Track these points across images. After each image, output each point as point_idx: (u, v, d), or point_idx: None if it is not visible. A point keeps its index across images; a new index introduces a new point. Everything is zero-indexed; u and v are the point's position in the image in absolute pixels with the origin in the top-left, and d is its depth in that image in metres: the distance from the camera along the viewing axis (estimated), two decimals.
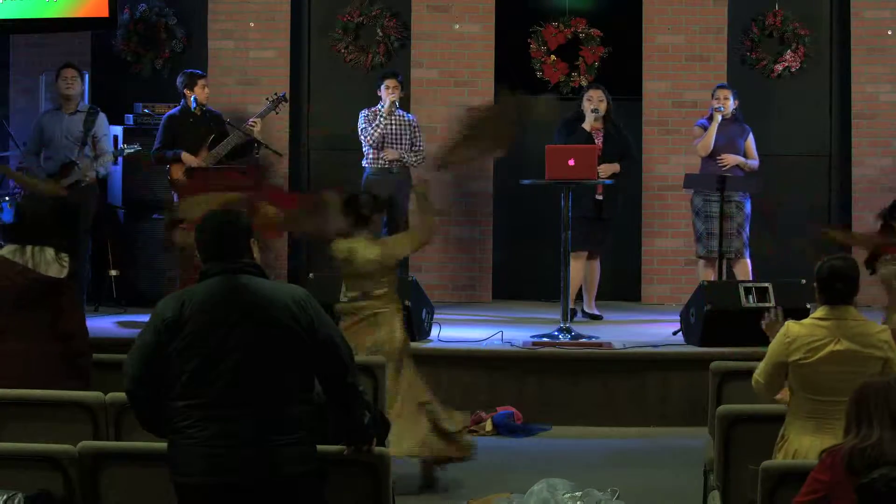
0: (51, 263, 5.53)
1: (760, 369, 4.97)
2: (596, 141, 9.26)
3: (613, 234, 9.76)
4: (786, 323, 4.93)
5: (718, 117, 9.30)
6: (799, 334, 4.84)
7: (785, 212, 10.31)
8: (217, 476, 4.06)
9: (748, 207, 9.40)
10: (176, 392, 4.10)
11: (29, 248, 5.55)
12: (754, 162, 9.47)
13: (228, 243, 4.25)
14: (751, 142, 9.49)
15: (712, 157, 9.36)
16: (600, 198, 9.37)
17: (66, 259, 5.59)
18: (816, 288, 4.93)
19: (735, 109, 9.44)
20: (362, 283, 6.49)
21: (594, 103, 9.35)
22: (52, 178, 9.12)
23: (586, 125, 9.28)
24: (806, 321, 4.89)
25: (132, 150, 9.56)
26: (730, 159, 9.34)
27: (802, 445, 4.77)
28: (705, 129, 9.39)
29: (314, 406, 4.24)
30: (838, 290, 4.86)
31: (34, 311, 5.55)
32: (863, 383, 4.12)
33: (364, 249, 6.45)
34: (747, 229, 9.40)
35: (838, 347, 4.78)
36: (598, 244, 9.54)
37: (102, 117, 9.43)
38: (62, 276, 5.54)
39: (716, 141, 9.32)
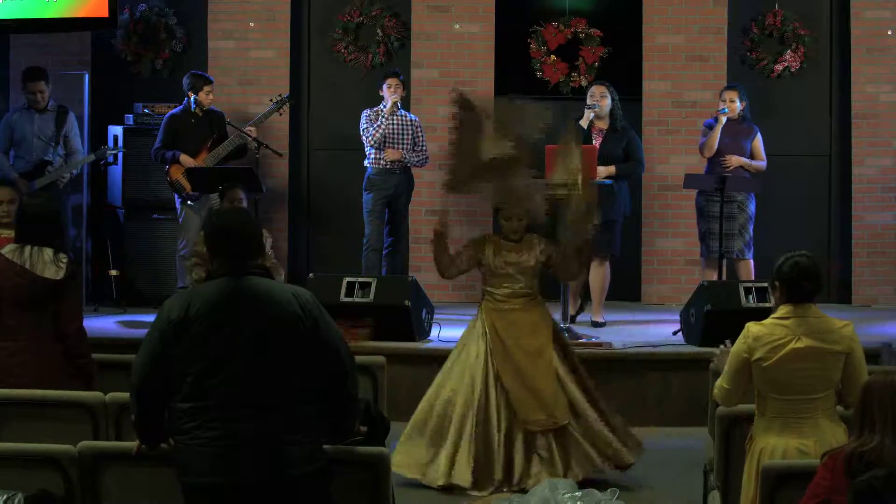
0: (48, 264, 5.50)
1: (723, 375, 4.94)
2: (594, 142, 9.01)
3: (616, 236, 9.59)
4: (746, 325, 4.91)
5: (723, 119, 9.22)
6: (759, 334, 4.81)
7: (785, 212, 10.33)
8: (224, 476, 4.07)
9: (752, 208, 9.33)
10: (182, 394, 4.11)
11: (28, 248, 5.53)
12: (760, 163, 9.39)
13: (237, 244, 4.24)
14: (758, 142, 9.42)
15: (717, 157, 9.31)
16: None
17: (65, 260, 5.56)
18: (778, 287, 4.88)
19: (742, 111, 9.37)
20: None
21: (596, 98, 9.08)
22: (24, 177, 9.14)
23: (583, 121, 9.00)
24: (766, 321, 4.86)
25: (113, 153, 9.64)
26: (733, 160, 9.27)
27: (768, 445, 4.77)
28: (712, 128, 9.33)
29: (319, 405, 4.24)
30: (806, 288, 4.83)
31: (35, 312, 5.53)
32: (867, 381, 4.09)
33: None
34: (751, 230, 9.33)
35: (799, 345, 4.75)
36: (594, 249, 9.13)
37: (72, 116, 9.51)
38: (59, 278, 5.52)
39: (720, 141, 9.25)
